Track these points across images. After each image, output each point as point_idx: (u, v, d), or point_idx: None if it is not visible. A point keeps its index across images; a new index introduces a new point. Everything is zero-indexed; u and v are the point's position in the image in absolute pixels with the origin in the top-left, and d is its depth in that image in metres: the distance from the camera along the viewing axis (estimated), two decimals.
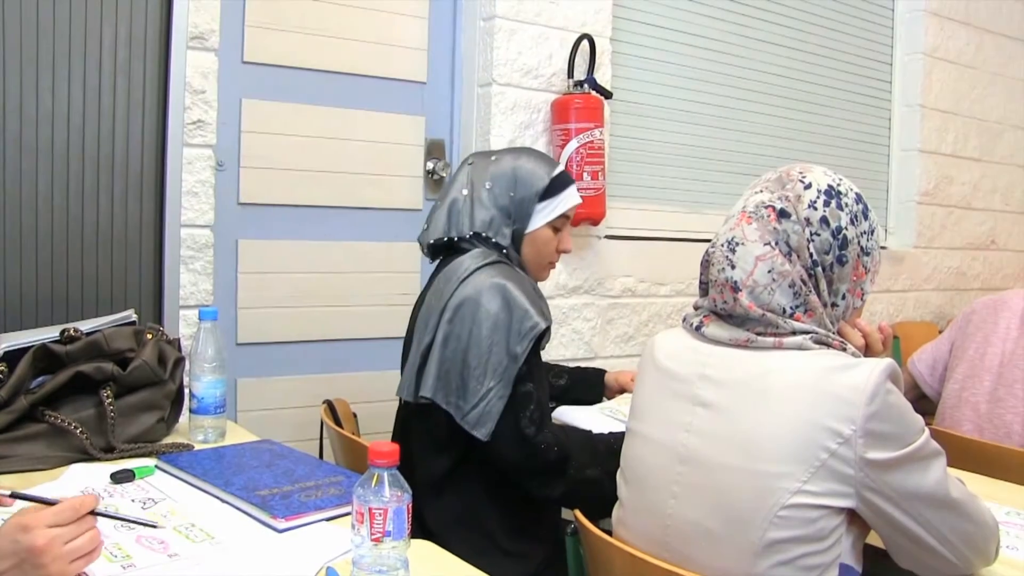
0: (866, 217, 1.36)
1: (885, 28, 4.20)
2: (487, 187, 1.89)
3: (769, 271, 1.31)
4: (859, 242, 1.34)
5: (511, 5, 2.91)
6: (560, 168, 1.96)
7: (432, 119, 2.94)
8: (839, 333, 1.37)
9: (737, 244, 1.33)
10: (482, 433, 1.72)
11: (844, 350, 1.31)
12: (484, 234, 1.87)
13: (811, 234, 1.32)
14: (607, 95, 3.05)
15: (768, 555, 1.25)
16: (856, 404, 1.21)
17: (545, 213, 1.91)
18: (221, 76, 2.48)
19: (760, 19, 3.68)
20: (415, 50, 2.89)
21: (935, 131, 4.27)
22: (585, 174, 2.92)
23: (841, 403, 1.22)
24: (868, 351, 1.40)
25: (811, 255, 1.31)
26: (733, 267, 1.33)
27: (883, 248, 1.46)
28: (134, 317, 2.02)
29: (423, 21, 2.90)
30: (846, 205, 1.34)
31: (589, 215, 2.98)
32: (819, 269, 1.32)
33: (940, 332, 2.76)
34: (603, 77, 3.08)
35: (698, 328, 1.39)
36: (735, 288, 1.32)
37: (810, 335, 1.30)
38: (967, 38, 4.38)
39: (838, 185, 1.36)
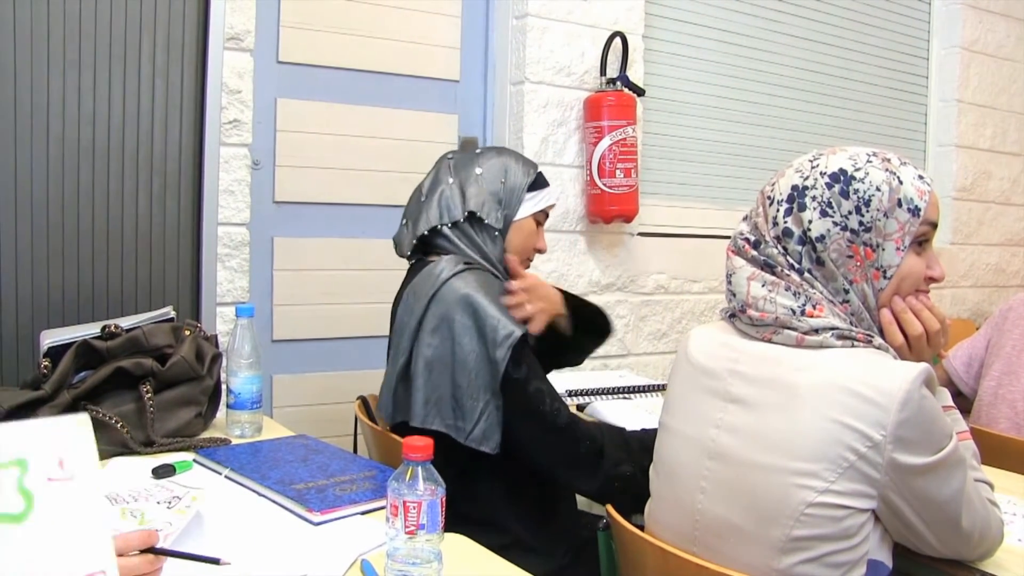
0: (845, 196, 1.29)
1: (922, 22, 4.17)
2: (478, 172, 1.90)
3: (763, 285, 1.33)
4: (844, 226, 1.29)
5: (543, 3, 2.92)
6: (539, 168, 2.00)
7: (465, 117, 2.96)
8: (881, 327, 1.34)
9: (731, 274, 1.39)
10: (489, 447, 1.72)
11: (871, 342, 1.29)
12: (478, 213, 1.87)
13: (782, 249, 1.33)
14: (640, 92, 3.05)
15: (794, 552, 1.26)
16: (888, 409, 1.20)
17: (533, 203, 1.94)
18: (257, 76, 2.52)
19: (793, 14, 3.67)
20: (448, 49, 2.91)
21: (972, 126, 4.22)
22: (618, 171, 2.92)
23: (872, 407, 1.21)
24: (911, 352, 1.35)
25: (791, 265, 1.32)
26: (734, 295, 1.38)
27: (927, 189, 1.36)
28: (172, 314, 2.05)
29: (456, 20, 2.92)
30: (814, 199, 1.30)
31: (622, 212, 2.98)
32: (805, 275, 1.32)
33: (977, 329, 2.74)
34: (635, 74, 3.09)
35: (732, 316, 1.40)
36: (743, 310, 1.36)
37: (832, 331, 1.28)
38: (1007, 30, 4.32)
39: (805, 179, 1.32)
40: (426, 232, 1.89)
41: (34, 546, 0.51)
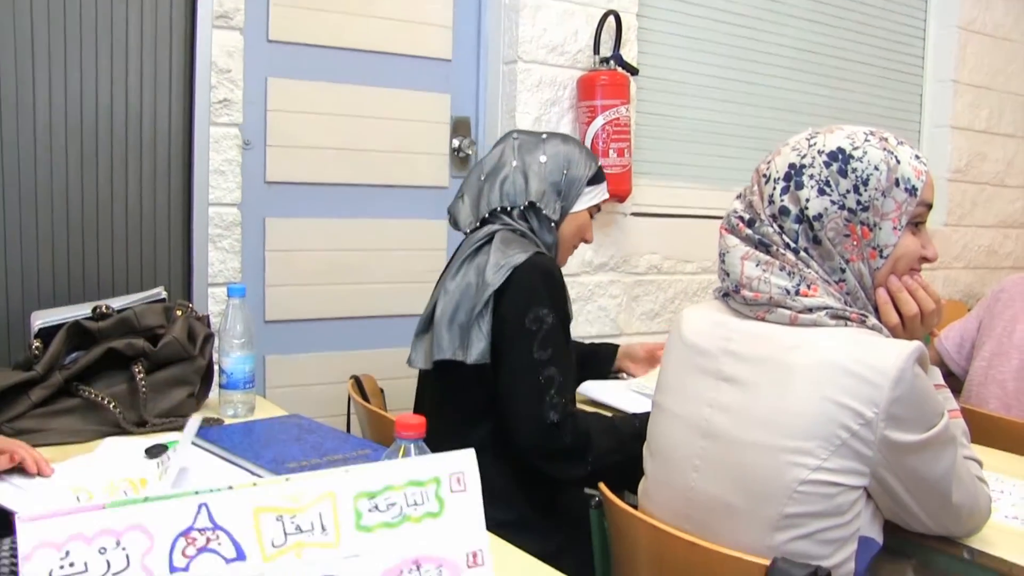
0: (844, 175, 1.28)
1: (920, 1, 4.14)
2: (542, 161, 1.95)
3: (757, 265, 1.33)
4: (842, 205, 1.28)
5: None
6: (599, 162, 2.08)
7: (457, 97, 2.95)
8: (877, 307, 1.34)
9: (724, 254, 1.39)
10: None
11: (864, 322, 1.30)
12: (538, 204, 1.93)
13: (778, 228, 1.32)
14: (633, 72, 3.04)
15: (787, 529, 1.26)
16: (881, 387, 1.20)
17: (590, 197, 2.01)
18: (247, 55, 2.50)
19: None
20: (440, 27, 2.89)
21: (968, 107, 4.21)
22: (611, 151, 2.91)
23: (865, 384, 1.21)
24: (905, 331, 1.35)
25: (786, 244, 1.32)
26: (728, 274, 1.38)
27: (924, 169, 1.35)
28: (164, 294, 2.04)
29: None
30: (811, 177, 1.30)
31: (615, 192, 2.97)
32: (801, 254, 1.31)
33: (969, 311, 2.75)
34: (629, 54, 3.07)
35: (726, 296, 1.40)
36: (736, 290, 1.35)
37: (825, 310, 1.28)
38: (1005, 9, 4.29)
39: (803, 157, 1.32)
40: (487, 215, 1.95)
41: (446, 533, 0.82)
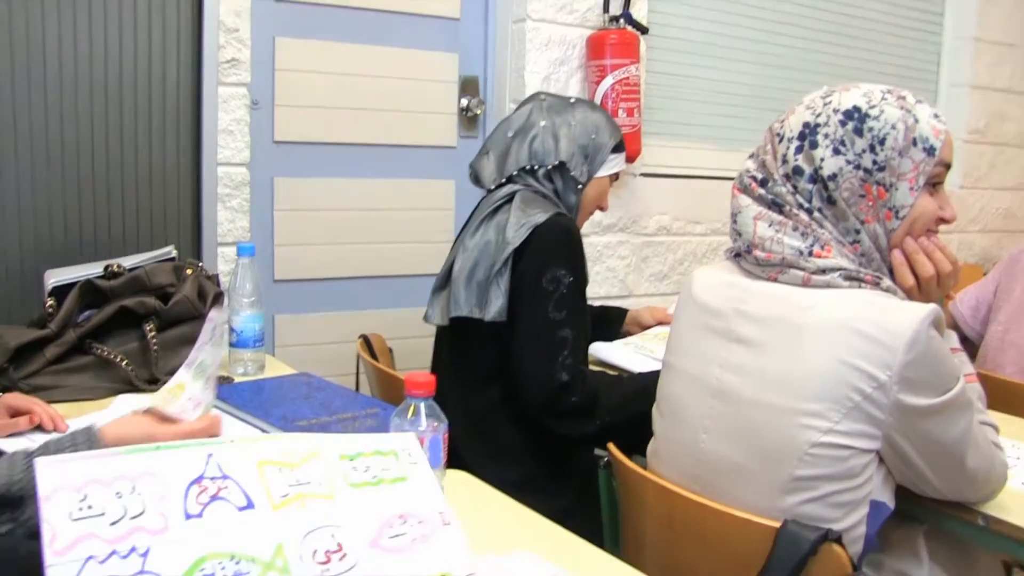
0: (859, 134, 1.27)
1: None
2: (571, 123, 1.97)
3: (770, 225, 1.32)
4: (858, 165, 1.27)
5: None
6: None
7: (466, 56, 2.92)
8: (892, 269, 1.33)
9: (736, 214, 1.38)
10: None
11: (879, 284, 1.28)
12: (567, 164, 1.94)
13: (792, 187, 1.31)
14: (643, 30, 3.01)
15: (797, 491, 1.26)
16: (895, 350, 1.19)
17: (614, 164, 2.04)
18: (254, 14, 2.48)
19: None
20: None
21: (989, 65, 4.10)
22: (621, 111, 2.89)
23: (879, 347, 1.20)
24: (920, 294, 1.33)
25: (800, 204, 1.30)
26: (740, 234, 1.37)
27: (943, 128, 1.32)
28: (174, 253, 2.05)
29: None
30: (826, 136, 1.28)
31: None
32: (815, 214, 1.30)
33: (984, 275, 2.72)
34: (639, 12, 3.04)
35: (737, 256, 1.39)
36: (748, 250, 1.34)
37: (839, 272, 1.27)
38: None
39: (817, 116, 1.30)
40: (513, 172, 1.96)
41: (415, 495, 0.86)
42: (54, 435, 1.44)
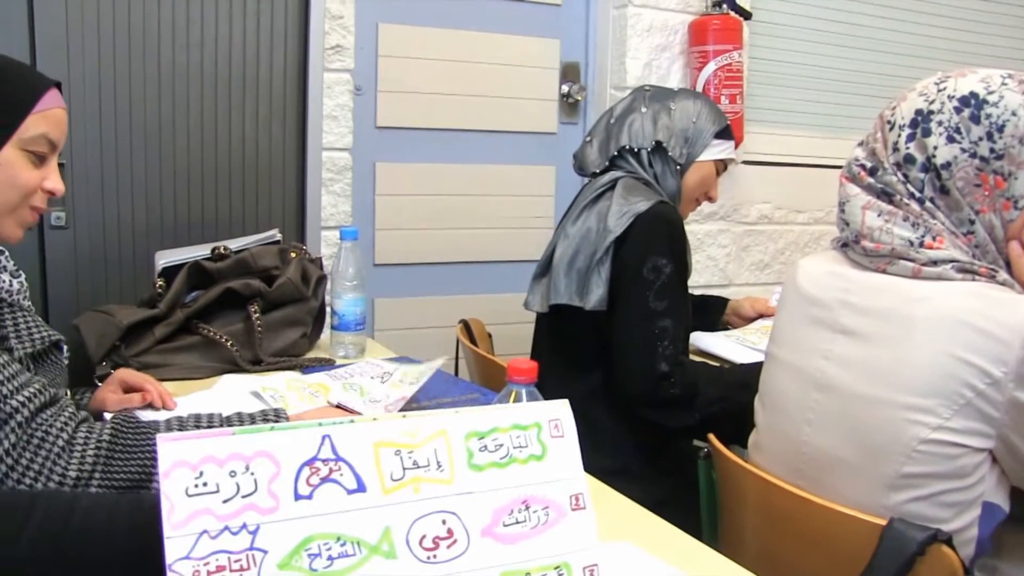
0: (976, 121, 1.22)
1: None
2: (672, 108, 1.96)
3: (879, 215, 1.28)
4: (974, 153, 1.22)
5: None
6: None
7: (567, 42, 2.91)
8: (1010, 260, 1.27)
9: (844, 203, 1.34)
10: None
11: (994, 277, 1.23)
12: (664, 145, 1.93)
13: (902, 176, 1.26)
14: (746, 16, 2.95)
15: (903, 489, 1.23)
16: (1011, 345, 1.15)
17: (718, 150, 2.00)
18: (358, 1, 2.51)
19: None
20: None
21: None
22: (723, 97, 2.85)
23: (994, 342, 1.16)
24: None
25: (911, 194, 1.26)
26: (848, 224, 1.33)
27: None
28: (279, 236, 2.09)
29: None
30: (940, 124, 1.23)
31: None
32: (927, 204, 1.25)
33: None
34: None
35: (844, 246, 1.36)
36: (856, 240, 1.31)
37: (952, 263, 1.23)
38: None
39: (931, 103, 1.25)
40: (615, 153, 1.95)
41: (549, 475, 0.85)
42: (163, 412, 1.49)
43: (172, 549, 0.70)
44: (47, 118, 1.23)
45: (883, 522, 1.20)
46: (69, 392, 1.38)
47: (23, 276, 1.31)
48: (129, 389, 1.55)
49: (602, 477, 1.35)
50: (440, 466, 0.81)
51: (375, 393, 1.61)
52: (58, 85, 1.27)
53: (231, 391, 1.65)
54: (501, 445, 0.83)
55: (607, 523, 1.08)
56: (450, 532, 0.79)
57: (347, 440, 0.78)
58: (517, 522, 0.82)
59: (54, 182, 1.28)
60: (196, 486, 0.72)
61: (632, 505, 1.28)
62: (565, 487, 0.85)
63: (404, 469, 0.79)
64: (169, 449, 0.72)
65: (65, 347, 1.36)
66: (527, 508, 0.83)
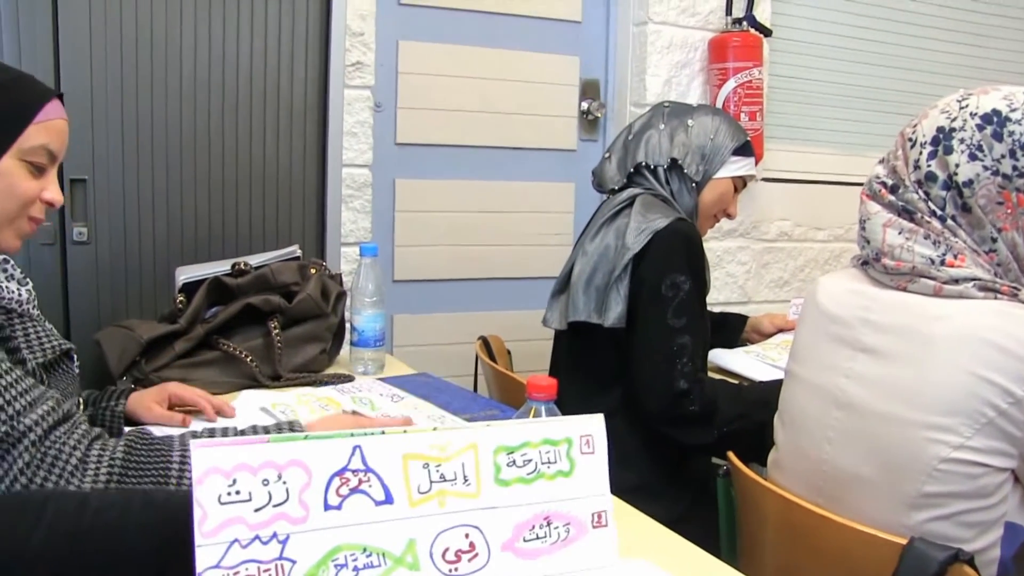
0: (999, 139, 1.21)
1: None
2: (689, 124, 1.96)
3: (899, 232, 1.28)
4: (996, 171, 1.21)
5: None
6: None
7: (587, 59, 2.92)
8: None
9: (865, 220, 1.34)
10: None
11: (1016, 295, 1.22)
12: (680, 162, 1.92)
13: (924, 194, 1.26)
14: (766, 33, 2.95)
15: (925, 508, 1.22)
16: None
17: (736, 167, 1.99)
18: (379, 18, 2.53)
19: None
20: None
21: None
22: (743, 114, 2.84)
23: (1016, 361, 1.15)
24: None
25: (932, 212, 1.25)
26: (868, 242, 1.33)
27: None
28: (298, 252, 2.10)
29: None
30: (962, 141, 1.23)
31: None
32: (948, 222, 1.25)
33: None
34: (762, 14, 2.98)
35: (865, 264, 1.35)
36: (877, 258, 1.31)
37: (973, 282, 1.22)
38: None
39: (953, 120, 1.25)
40: (631, 170, 1.95)
41: (575, 492, 0.85)
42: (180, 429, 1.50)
43: (203, 558, 0.72)
44: (48, 129, 1.23)
45: (904, 541, 1.19)
46: (82, 401, 1.39)
47: (31, 284, 1.31)
48: (176, 404, 1.56)
49: (621, 494, 1.35)
50: (467, 480, 0.82)
51: (387, 408, 1.62)
52: (60, 96, 1.27)
53: (242, 406, 1.66)
54: (529, 460, 0.85)
55: (625, 540, 1.07)
56: (472, 546, 0.80)
57: (377, 451, 0.79)
58: (537, 538, 0.83)
59: (53, 193, 1.26)
60: (229, 494, 0.73)
61: (650, 522, 1.27)
62: (589, 504, 0.85)
63: (431, 482, 0.80)
64: (203, 455, 0.73)
65: (76, 356, 1.37)
66: (548, 524, 0.83)
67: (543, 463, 0.85)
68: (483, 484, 0.82)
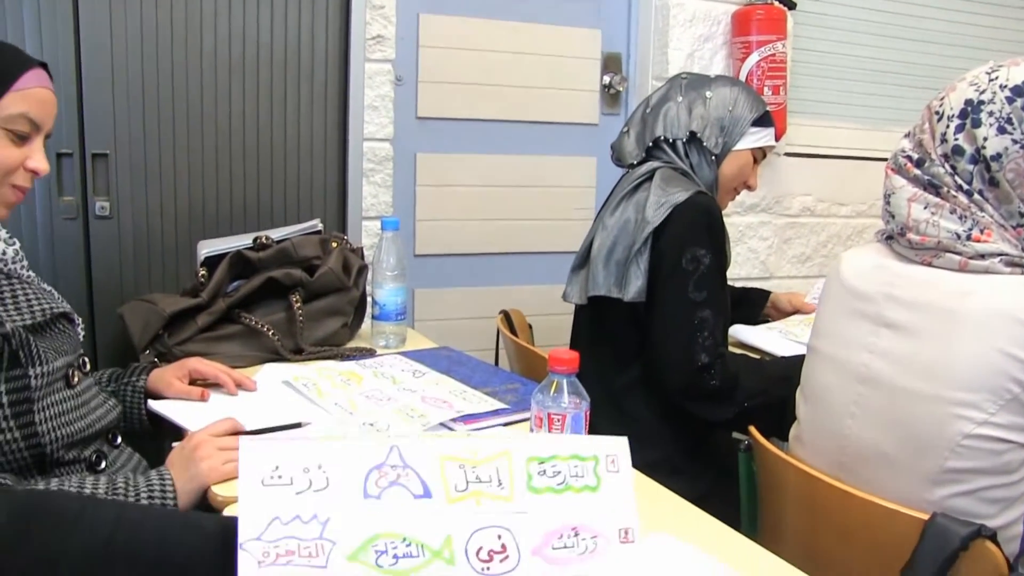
0: None
1: None
2: (707, 96, 1.94)
3: (925, 207, 1.26)
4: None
5: None
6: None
7: (608, 32, 2.90)
8: None
9: (889, 195, 1.32)
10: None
11: None
12: (699, 135, 1.91)
13: (950, 168, 1.24)
14: (791, 6, 2.92)
15: (947, 484, 1.22)
16: None
17: (755, 138, 1.97)
18: None
19: None
20: None
21: None
22: (766, 89, 2.82)
23: None
24: None
25: (959, 186, 1.24)
26: (893, 216, 1.31)
27: None
28: (320, 226, 2.10)
29: None
30: (991, 114, 1.21)
31: None
32: (975, 196, 1.23)
33: None
34: None
35: (889, 238, 1.34)
36: (902, 233, 1.29)
37: (1000, 257, 1.21)
38: None
39: (981, 93, 1.23)
40: (650, 144, 1.94)
41: (601, 507, 0.86)
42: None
43: (245, 529, 0.74)
44: (27, 97, 1.23)
45: (926, 517, 1.19)
46: (89, 362, 1.38)
47: (17, 244, 1.31)
48: (197, 378, 1.57)
49: (643, 469, 1.35)
50: (501, 484, 0.84)
51: (408, 383, 1.62)
52: (44, 65, 1.26)
53: (264, 380, 1.67)
54: (559, 472, 0.86)
55: (647, 516, 1.07)
56: (504, 547, 0.82)
57: (414, 451, 0.82)
58: (566, 546, 0.84)
59: (37, 161, 1.26)
60: (272, 477, 0.76)
61: (673, 497, 1.27)
62: (616, 520, 0.87)
63: (468, 482, 0.83)
64: (250, 449, 0.77)
65: (78, 319, 1.36)
66: (576, 535, 0.85)
67: (572, 476, 0.87)
68: (516, 489, 0.84)
